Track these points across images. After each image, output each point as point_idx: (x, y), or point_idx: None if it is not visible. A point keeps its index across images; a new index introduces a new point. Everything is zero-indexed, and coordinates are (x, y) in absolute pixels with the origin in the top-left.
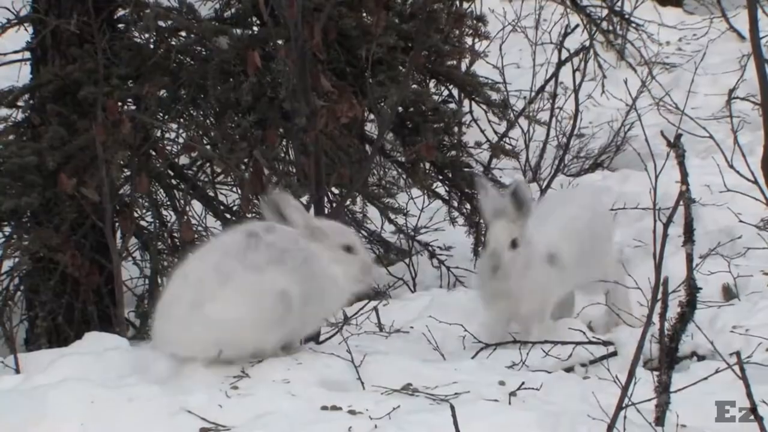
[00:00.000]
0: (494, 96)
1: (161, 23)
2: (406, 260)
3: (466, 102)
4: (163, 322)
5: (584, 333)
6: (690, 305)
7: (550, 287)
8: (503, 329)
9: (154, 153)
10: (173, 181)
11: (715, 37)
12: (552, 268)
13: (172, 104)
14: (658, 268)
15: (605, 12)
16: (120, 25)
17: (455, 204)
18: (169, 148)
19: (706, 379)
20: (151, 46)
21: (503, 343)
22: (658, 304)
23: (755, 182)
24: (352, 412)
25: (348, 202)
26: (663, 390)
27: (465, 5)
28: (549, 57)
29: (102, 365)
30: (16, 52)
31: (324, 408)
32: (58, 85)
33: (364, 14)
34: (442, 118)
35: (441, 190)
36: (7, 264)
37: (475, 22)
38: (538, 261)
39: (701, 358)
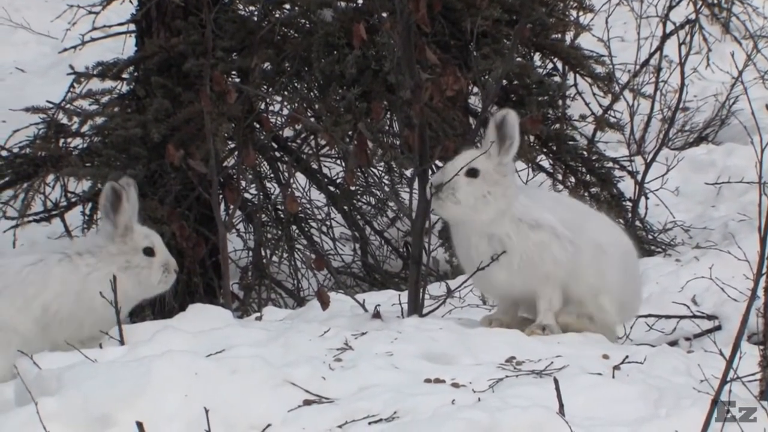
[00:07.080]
0: (599, 69)
1: None
2: None
3: (570, 75)
4: None
5: (688, 307)
6: None
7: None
8: (513, 317)
9: (258, 125)
10: (277, 154)
11: None
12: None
13: (276, 77)
14: (763, 241)
15: None
16: None
17: (559, 177)
18: (273, 120)
19: None
20: (256, 19)
21: None
22: (763, 278)
23: None
24: (455, 385)
25: None
26: (767, 364)
27: None
28: (654, 30)
29: (206, 337)
30: (120, 24)
31: (427, 380)
32: (162, 58)
33: None
34: (546, 91)
35: (545, 163)
36: None
37: None
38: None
39: None
